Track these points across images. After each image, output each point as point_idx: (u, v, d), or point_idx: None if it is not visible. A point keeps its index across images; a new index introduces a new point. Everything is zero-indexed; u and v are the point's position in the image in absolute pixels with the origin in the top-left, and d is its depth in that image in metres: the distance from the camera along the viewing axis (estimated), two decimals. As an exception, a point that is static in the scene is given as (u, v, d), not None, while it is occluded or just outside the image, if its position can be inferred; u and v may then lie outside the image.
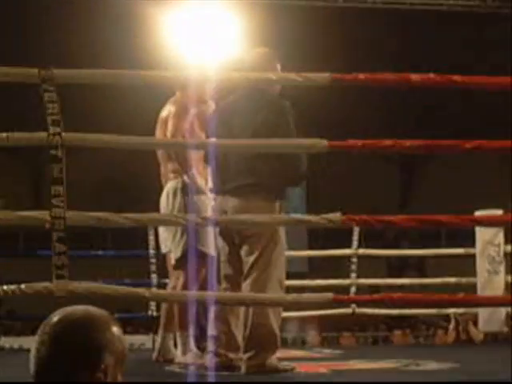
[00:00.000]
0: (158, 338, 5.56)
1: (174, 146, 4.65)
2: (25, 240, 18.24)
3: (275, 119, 4.47)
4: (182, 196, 5.27)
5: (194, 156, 5.24)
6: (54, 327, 1.86)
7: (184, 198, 5.25)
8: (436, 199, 19.05)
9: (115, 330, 1.89)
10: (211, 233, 5.08)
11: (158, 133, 5.43)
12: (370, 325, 14.61)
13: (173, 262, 5.46)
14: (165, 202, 5.36)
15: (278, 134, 4.36)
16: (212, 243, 5.16)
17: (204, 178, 5.32)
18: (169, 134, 5.23)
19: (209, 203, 5.25)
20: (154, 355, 5.47)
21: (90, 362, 1.82)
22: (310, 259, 18.89)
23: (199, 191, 5.24)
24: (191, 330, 5.22)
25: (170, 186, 5.35)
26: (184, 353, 5.17)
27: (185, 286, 5.11)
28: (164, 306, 5.50)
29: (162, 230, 5.68)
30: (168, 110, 5.43)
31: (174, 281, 5.40)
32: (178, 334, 5.25)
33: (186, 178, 5.25)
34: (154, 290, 5.35)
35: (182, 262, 5.23)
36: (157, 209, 5.70)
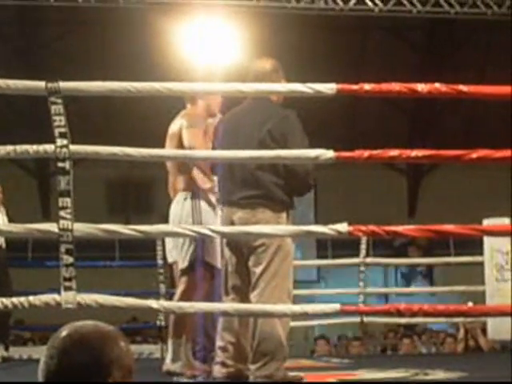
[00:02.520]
0: (169, 348, 5.54)
1: (182, 158, 4.65)
2: (33, 250, 18.29)
3: (282, 129, 4.48)
4: (194, 208, 5.22)
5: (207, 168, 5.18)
6: (62, 342, 1.87)
7: (196, 211, 5.20)
8: (444, 206, 19.01)
9: (123, 345, 1.91)
10: (218, 245, 5.07)
11: (168, 146, 5.33)
12: (378, 333, 14.59)
13: (178, 271, 5.45)
14: (177, 213, 5.29)
15: (285, 144, 4.38)
16: (218, 255, 5.15)
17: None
18: (187, 144, 5.14)
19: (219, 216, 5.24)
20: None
21: (98, 376, 1.83)
22: (319, 267, 18.87)
23: (211, 204, 5.21)
24: (183, 340, 5.20)
25: (180, 197, 5.29)
26: (174, 361, 5.15)
27: (184, 295, 5.08)
28: (172, 316, 5.47)
29: (168, 239, 5.66)
30: (179, 124, 5.32)
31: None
32: (170, 341, 5.23)
33: (199, 190, 5.17)
34: (162, 301, 5.34)
35: (186, 272, 5.21)
36: (165, 218, 5.69)
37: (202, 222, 5.05)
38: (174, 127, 5.38)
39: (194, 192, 5.21)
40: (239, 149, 4.26)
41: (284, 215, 4.50)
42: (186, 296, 5.00)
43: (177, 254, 5.36)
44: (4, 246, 8.12)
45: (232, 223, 4.49)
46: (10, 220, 7.95)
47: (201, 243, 5.06)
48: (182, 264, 5.24)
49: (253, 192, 4.46)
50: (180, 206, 5.25)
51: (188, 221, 5.12)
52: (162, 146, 5.38)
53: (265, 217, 4.42)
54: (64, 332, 1.90)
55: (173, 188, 5.46)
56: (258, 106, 4.60)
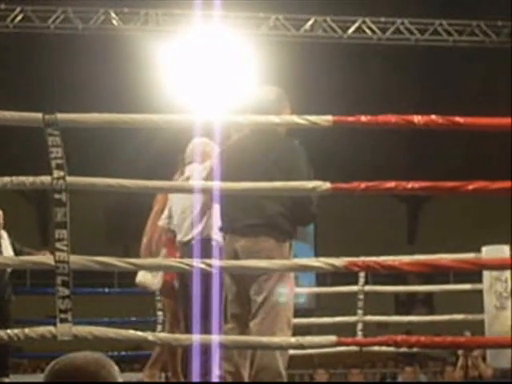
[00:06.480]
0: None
1: (180, 190, 4.66)
2: (31, 276, 18.29)
3: (287, 159, 4.47)
4: None
5: None
6: (56, 375, 1.89)
7: None
8: (444, 233, 19.02)
9: (116, 373, 1.94)
10: None
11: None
12: (378, 361, 14.55)
13: None
14: None
15: (290, 173, 4.37)
16: None
17: None
18: None
19: None
20: None
21: None
22: (318, 295, 18.83)
23: None
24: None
25: None
26: None
27: None
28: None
29: None
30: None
31: None
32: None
33: None
34: (158, 333, 5.33)
35: None
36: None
37: None
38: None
39: None
40: (243, 178, 4.24)
41: (287, 244, 4.49)
42: None
43: None
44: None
45: (235, 251, 4.47)
46: (13, 246, 7.95)
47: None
48: None
49: (256, 220, 4.44)
50: None
51: None
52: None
53: (268, 245, 4.40)
54: (57, 365, 1.91)
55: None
56: (261, 134, 4.56)
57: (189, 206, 5.45)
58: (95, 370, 1.89)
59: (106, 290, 10.98)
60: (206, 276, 5.15)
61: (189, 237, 5.51)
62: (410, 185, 3.97)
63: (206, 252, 4.99)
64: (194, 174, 5.51)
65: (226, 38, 12.87)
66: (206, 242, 5.37)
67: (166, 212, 5.77)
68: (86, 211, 16.87)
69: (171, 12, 13.24)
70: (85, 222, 16.99)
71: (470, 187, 3.96)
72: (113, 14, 13.23)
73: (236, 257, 4.44)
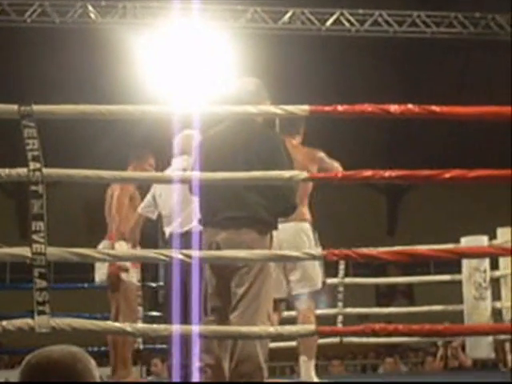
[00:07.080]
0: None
1: (157, 181, 4.64)
2: (12, 271, 18.21)
3: (267, 150, 4.46)
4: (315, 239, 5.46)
5: None
6: (33, 370, 1.88)
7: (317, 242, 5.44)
8: (424, 224, 19.07)
9: (92, 366, 1.94)
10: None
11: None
12: (359, 353, 14.60)
13: None
14: (304, 240, 5.45)
15: (270, 164, 4.36)
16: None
17: None
18: None
19: None
20: None
21: None
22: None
23: None
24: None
25: (302, 226, 5.44)
26: None
27: None
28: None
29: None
30: None
31: None
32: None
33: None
34: (137, 324, 5.31)
35: None
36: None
37: None
38: None
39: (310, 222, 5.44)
40: (223, 169, 4.23)
41: (269, 236, 4.48)
42: None
43: None
44: None
45: (216, 244, 4.45)
46: None
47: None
48: None
49: (238, 212, 4.41)
50: (310, 238, 5.42)
51: None
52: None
53: (250, 237, 4.38)
54: (33, 359, 1.91)
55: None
56: (241, 125, 4.55)
57: (184, 199, 5.43)
58: (72, 364, 1.90)
59: (86, 285, 10.92)
60: (187, 267, 5.19)
61: (184, 228, 5.51)
62: (387, 173, 3.97)
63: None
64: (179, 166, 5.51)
65: (204, 31, 12.85)
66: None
67: (148, 200, 5.69)
68: (68, 204, 16.81)
69: (149, 5, 13.22)
70: (66, 215, 16.95)
71: (447, 175, 3.97)
72: (90, 7, 13.18)
73: (218, 250, 4.43)
